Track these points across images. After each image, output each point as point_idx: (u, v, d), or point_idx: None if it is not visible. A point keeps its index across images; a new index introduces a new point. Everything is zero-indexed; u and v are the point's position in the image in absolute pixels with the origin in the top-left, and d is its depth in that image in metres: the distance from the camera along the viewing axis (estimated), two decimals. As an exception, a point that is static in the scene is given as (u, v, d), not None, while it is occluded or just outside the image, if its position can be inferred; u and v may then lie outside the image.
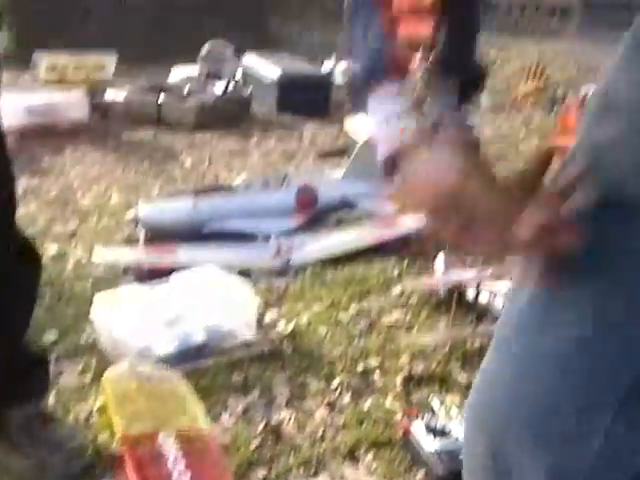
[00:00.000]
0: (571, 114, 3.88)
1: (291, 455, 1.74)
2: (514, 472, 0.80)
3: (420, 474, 1.69)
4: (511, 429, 0.79)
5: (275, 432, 1.78)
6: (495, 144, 4.23)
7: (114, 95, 4.51)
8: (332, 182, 3.30)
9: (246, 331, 2.13)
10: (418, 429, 1.73)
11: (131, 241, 2.81)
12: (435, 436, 1.69)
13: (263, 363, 2.10)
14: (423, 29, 0.75)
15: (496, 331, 0.89)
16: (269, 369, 2.06)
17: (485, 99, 4.70)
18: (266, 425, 1.79)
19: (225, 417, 1.81)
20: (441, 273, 2.55)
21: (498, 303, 2.32)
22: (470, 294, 2.41)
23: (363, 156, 3.13)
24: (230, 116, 4.53)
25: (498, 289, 2.34)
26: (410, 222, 2.78)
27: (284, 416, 1.86)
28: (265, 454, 1.70)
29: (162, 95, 4.48)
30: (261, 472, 1.65)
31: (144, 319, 2.02)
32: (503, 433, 0.80)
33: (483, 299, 2.36)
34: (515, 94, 5.41)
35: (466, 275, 2.48)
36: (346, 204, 3.09)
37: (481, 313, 2.32)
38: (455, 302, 2.32)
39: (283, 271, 2.67)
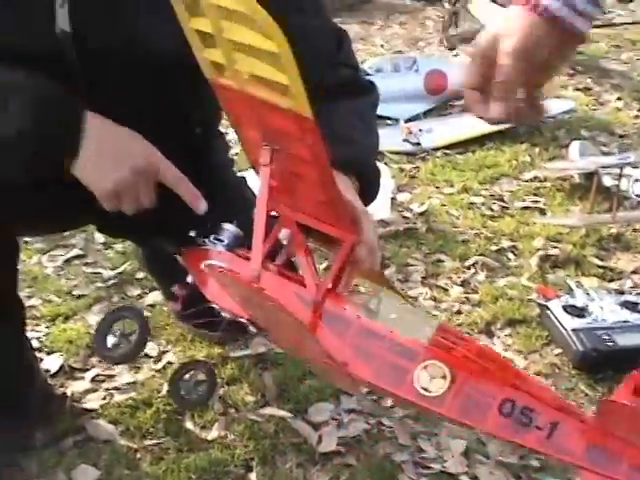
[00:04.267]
0: None
1: (429, 326, 1.80)
2: None
3: (557, 351, 1.75)
4: None
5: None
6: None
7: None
8: (461, 66, 3.23)
9: (382, 211, 2.23)
10: (556, 307, 1.78)
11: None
12: (574, 315, 1.76)
13: (398, 241, 2.20)
14: None
15: None
16: (404, 247, 2.16)
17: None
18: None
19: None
20: (576, 159, 2.56)
21: (638, 189, 2.33)
22: (607, 180, 2.39)
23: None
24: (352, 1, 4.74)
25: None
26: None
27: (420, 292, 1.97)
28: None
29: None
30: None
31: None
32: None
33: (622, 185, 2.31)
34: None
35: (604, 161, 2.45)
36: None
37: (619, 200, 2.26)
38: (591, 188, 2.29)
39: (413, 154, 2.79)
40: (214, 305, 1.08)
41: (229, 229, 1.08)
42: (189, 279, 1.08)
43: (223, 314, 1.08)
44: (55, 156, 1.08)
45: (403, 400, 0.91)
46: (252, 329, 1.08)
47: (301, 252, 0.96)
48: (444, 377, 0.88)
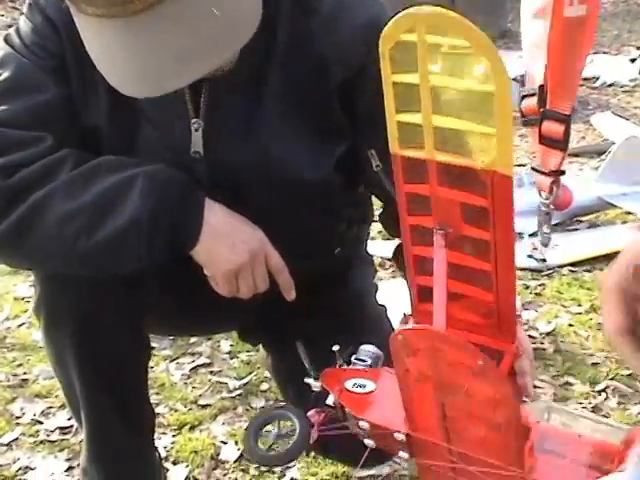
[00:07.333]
0: None
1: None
2: None
3: None
4: None
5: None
6: None
7: None
8: (587, 182, 3.15)
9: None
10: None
11: None
12: None
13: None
14: None
15: None
16: (532, 367, 2.06)
17: None
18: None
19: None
20: None
21: None
22: None
23: (623, 156, 3.08)
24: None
25: None
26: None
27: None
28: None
29: None
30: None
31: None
32: None
33: None
34: None
35: None
36: (603, 205, 3.06)
37: None
38: None
39: (539, 271, 2.70)
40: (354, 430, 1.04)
41: (370, 349, 1.09)
42: (329, 401, 1.06)
43: (366, 442, 1.03)
44: (177, 244, 1.14)
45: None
46: (404, 454, 1.01)
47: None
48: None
